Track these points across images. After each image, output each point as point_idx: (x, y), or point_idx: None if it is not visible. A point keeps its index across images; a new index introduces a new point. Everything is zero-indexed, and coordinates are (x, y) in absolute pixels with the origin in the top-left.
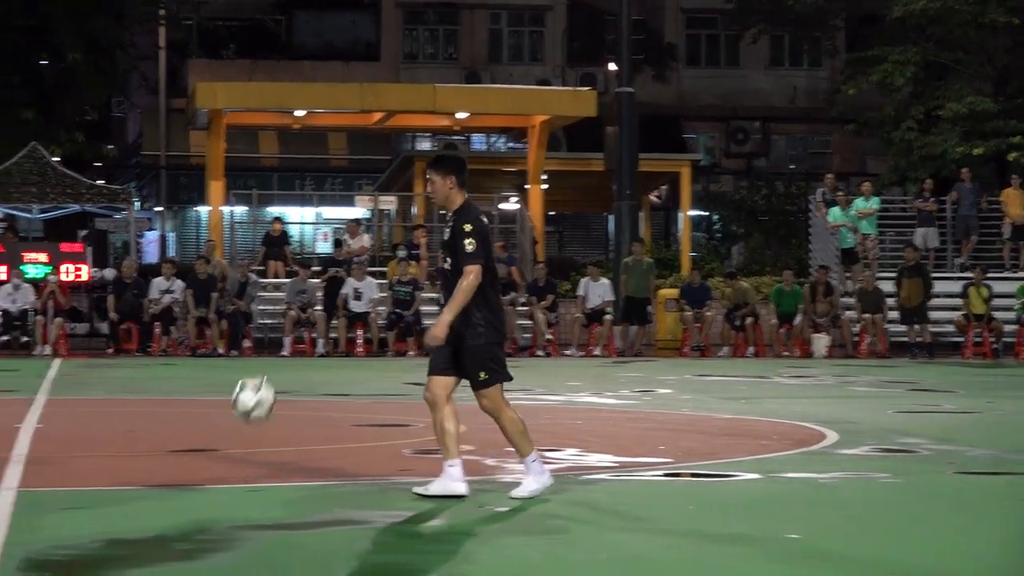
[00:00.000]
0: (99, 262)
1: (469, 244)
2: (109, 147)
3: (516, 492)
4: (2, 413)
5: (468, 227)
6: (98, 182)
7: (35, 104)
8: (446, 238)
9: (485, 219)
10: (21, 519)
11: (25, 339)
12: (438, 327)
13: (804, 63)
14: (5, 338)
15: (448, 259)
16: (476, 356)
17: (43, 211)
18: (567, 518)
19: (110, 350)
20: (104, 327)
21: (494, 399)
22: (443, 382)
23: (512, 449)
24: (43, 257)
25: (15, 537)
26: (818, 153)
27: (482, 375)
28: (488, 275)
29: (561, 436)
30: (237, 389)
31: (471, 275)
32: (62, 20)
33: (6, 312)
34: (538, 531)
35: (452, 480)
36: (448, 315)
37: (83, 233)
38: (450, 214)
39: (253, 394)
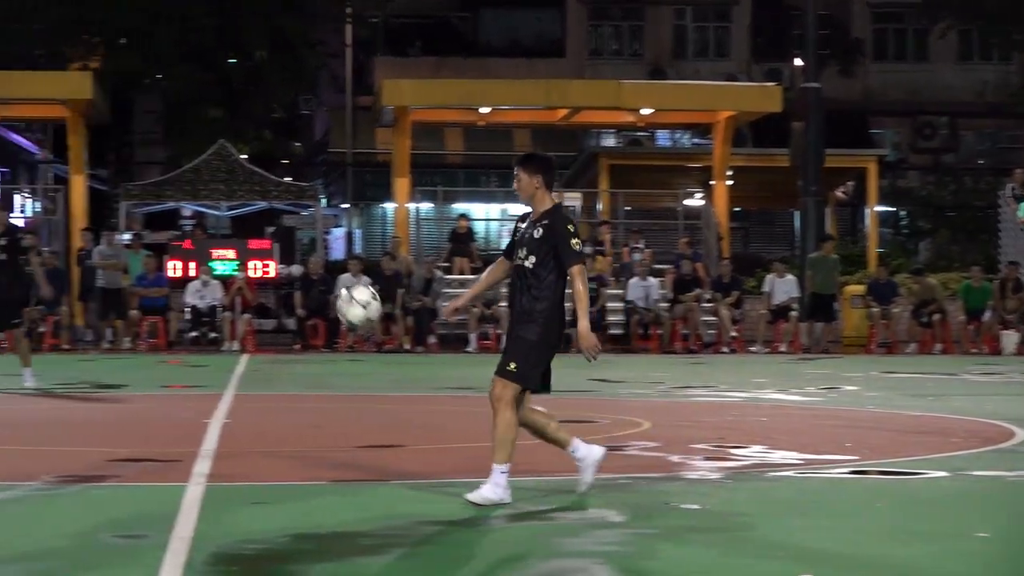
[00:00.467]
0: (286, 259)
1: (576, 244)
2: (296, 144)
3: (471, 495)
4: (191, 408)
5: (571, 227)
6: (285, 179)
7: (223, 102)
8: (536, 235)
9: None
10: (209, 513)
11: (213, 335)
12: (586, 337)
13: (994, 57)
14: (194, 334)
15: (531, 257)
16: (519, 347)
17: (231, 208)
18: (752, 515)
19: (297, 346)
20: (291, 323)
21: (506, 395)
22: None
23: (696, 447)
24: (231, 254)
25: (204, 531)
26: (1008, 148)
27: (512, 366)
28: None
29: (746, 433)
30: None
31: (581, 276)
32: (251, 19)
33: (195, 308)
34: (722, 528)
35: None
36: (584, 320)
37: (270, 230)
38: (535, 213)
39: (361, 309)
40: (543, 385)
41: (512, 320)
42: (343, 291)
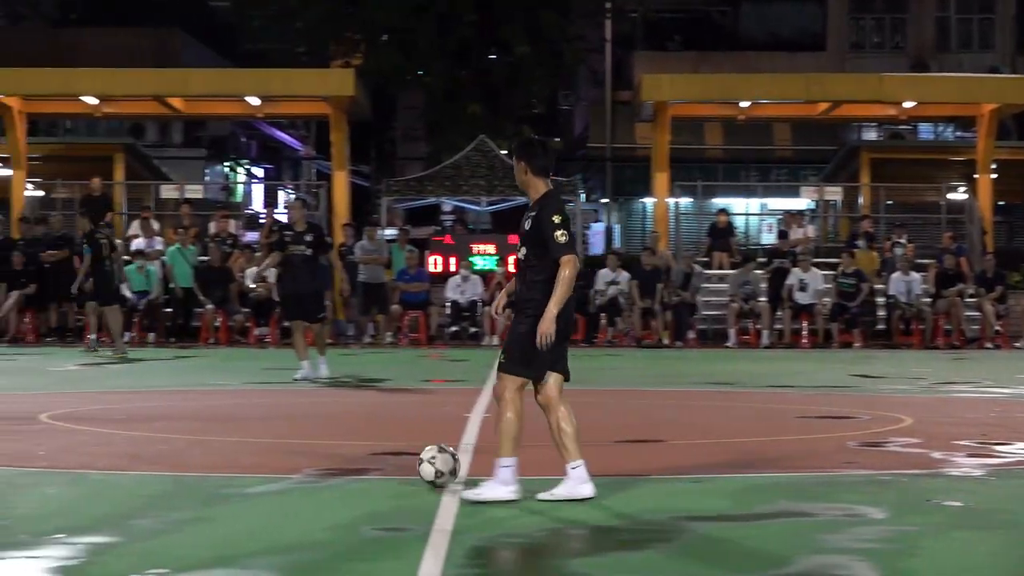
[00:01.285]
0: None
1: (562, 235)
2: (556, 140)
3: (470, 493)
4: (451, 402)
5: (557, 218)
6: None
7: (483, 98)
8: (527, 227)
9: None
10: (469, 507)
11: (474, 330)
12: (547, 321)
13: None
14: (454, 329)
15: (522, 248)
16: (510, 339)
17: (491, 203)
18: (1016, 512)
19: None
20: None
21: (503, 388)
22: (552, 382)
23: (959, 443)
24: (491, 249)
25: (463, 525)
26: None
27: (502, 358)
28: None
29: (1010, 430)
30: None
31: (569, 266)
32: (511, 15)
33: (455, 303)
34: (987, 526)
35: (578, 482)
36: (554, 308)
37: None
38: (531, 202)
39: (431, 472)
40: (563, 375)
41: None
42: (432, 462)
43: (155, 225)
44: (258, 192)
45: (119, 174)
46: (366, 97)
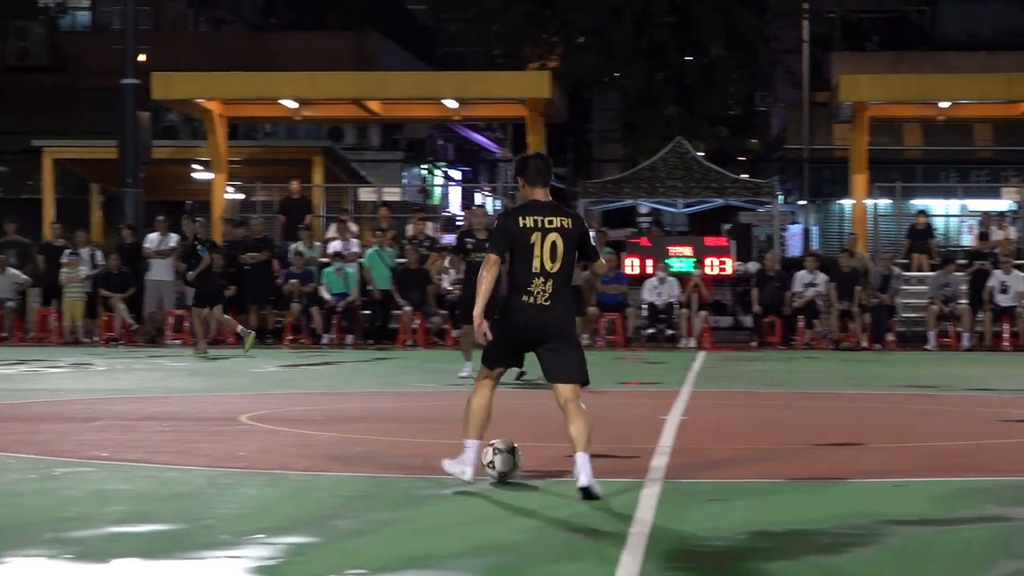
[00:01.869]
0: (743, 256)
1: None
2: (752, 141)
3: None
4: (648, 405)
5: (495, 225)
6: (741, 176)
7: (679, 100)
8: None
9: (517, 220)
10: (667, 509)
11: (670, 332)
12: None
13: None
14: (651, 331)
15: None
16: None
17: (687, 205)
18: None
19: (753, 343)
20: (747, 320)
21: (478, 375)
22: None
23: None
24: (687, 251)
25: (661, 527)
26: None
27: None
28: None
29: None
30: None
31: (484, 265)
32: (707, 16)
33: (652, 305)
34: None
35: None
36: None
37: (727, 227)
38: None
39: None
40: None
41: None
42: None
43: (353, 228)
44: (455, 194)
45: (317, 177)
46: (562, 99)
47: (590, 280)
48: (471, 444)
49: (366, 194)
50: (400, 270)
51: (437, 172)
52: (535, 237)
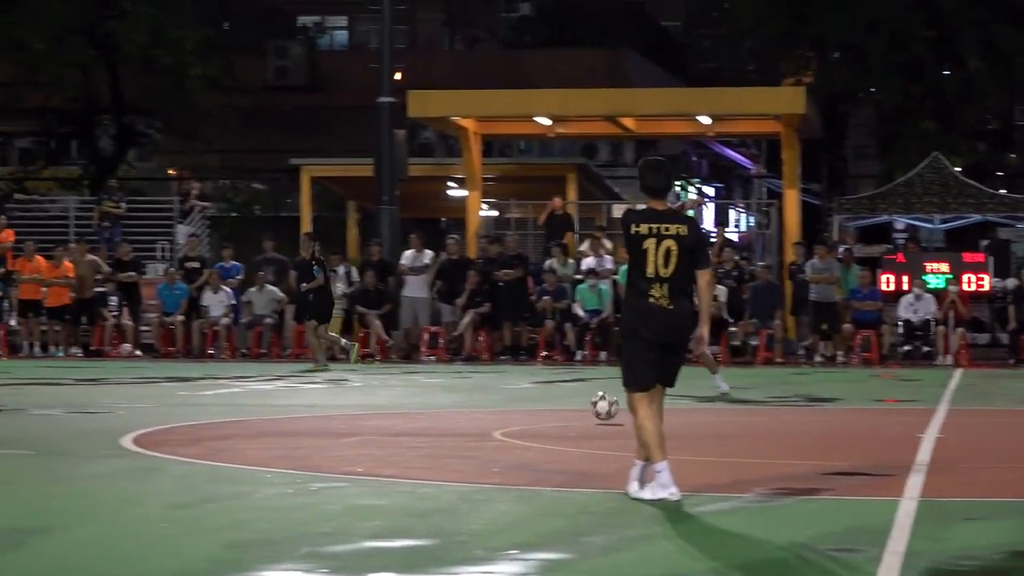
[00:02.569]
0: (1000, 272)
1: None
2: (1011, 156)
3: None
4: (904, 422)
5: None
6: (1000, 192)
7: (936, 114)
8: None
9: (631, 227)
10: (923, 528)
11: (927, 349)
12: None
13: None
14: (906, 348)
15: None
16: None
17: (944, 221)
18: None
19: (1011, 361)
20: (1005, 338)
21: (628, 401)
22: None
23: None
24: (944, 267)
25: (917, 547)
26: None
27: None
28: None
29: None
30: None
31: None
32: (965, 30)
33: (907, 322)
34: None
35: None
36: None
37: (984, 243)
38: None
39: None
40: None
41: None
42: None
43: (607, 244)
44: (708, 211)
45: (571, 194)
46: (817, 114)
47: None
48: (661, 467)
49: (620, 210)
50: None
51: (691, 188)
52: (648, 243)
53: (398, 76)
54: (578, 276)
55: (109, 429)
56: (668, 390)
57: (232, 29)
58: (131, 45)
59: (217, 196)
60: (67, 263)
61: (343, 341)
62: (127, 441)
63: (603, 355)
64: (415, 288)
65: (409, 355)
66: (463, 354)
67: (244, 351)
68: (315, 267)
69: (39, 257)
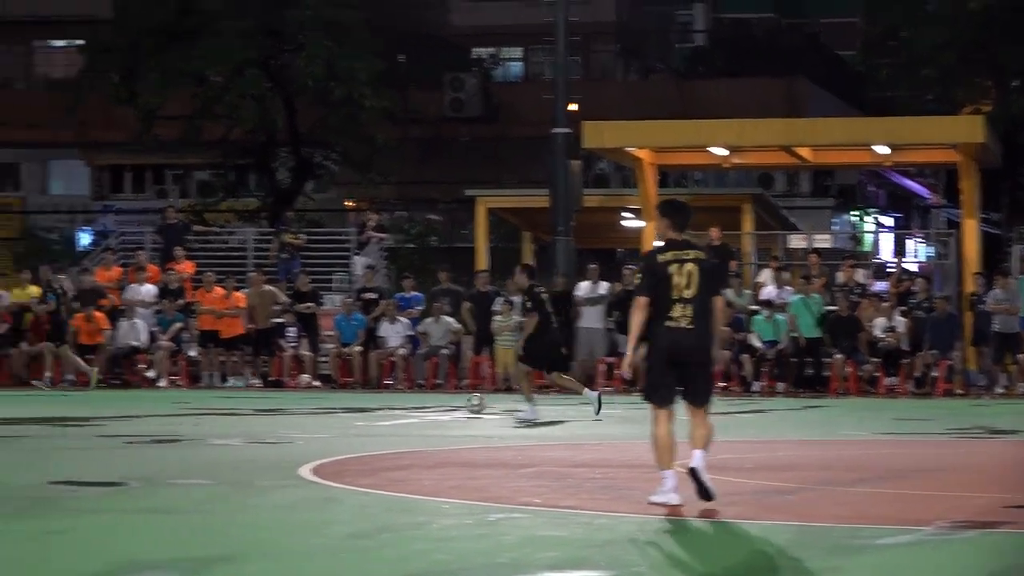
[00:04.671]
0: None
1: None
2: None
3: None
4: None
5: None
6: None
7: None
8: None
9: (657, 259)
10: None
11: None
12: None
13: None
14: None
15: None
16: None
17: None
18: None
19: None
20: None
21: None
22: None
23: None
24: None
25: None
26: None
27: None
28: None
29: None
30: None
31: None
32: None
33: None
34: None
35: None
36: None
37: None
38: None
39: None
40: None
41: None
42: None
43: (784, 275)
44: (886, 241)
45: (747, 224)
46: (996, 144)
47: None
48: (667, 474)
49: (796, 241)
50: (831, 317)
51: (868, 218)
52: (673, 269)
53: (573, 107)
54: (754, 307)
55: (287, 459)
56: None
57: (408, 61)
58: (307, 78)
59: (393, 227)
60: (237, 294)
61: (585, 390)
62: (305, 471)
63: (780, 386)
64: (591, 319)
65: (586, 386)
66: (639, 385)
67: (421, 382)
68: (527, 303)
69: (217, 288)
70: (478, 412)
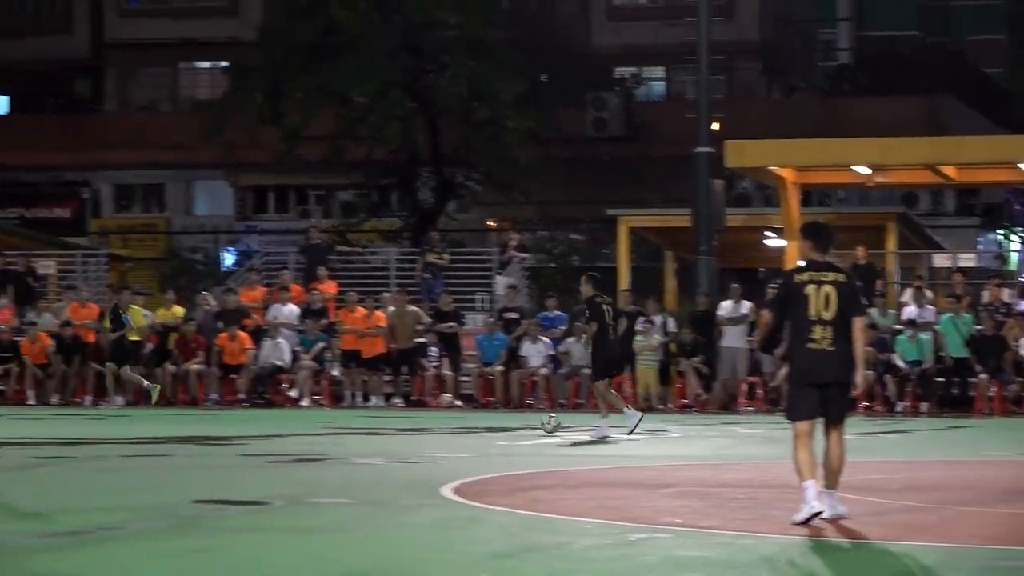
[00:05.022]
0: None
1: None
2: None
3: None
4: None
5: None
6: None
7: None
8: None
9: (793, 278)
10: None
11: None
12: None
13: None
14: None
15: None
16: None
17: None
18: None
19: None
20: None
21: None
22: None
23: None
24: None
25: None
26: None
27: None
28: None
29: None
30: None
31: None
32: None
33: None
34: None
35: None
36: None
37: None
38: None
39: None
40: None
41: None
42: None
43: (928, 294)
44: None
45: (891, 243)
46: None
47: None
48: (808, 484)
49: (940, 260)
50: (976, 337)
51: (1014, 237)
52: (810, 289)
53: (715, 126)
54: (897, 327)
55: (429, 479)
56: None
57: (550, 81)
58: (450, 98)
59: (535, 247)
60: (378, 313)
61: (627, 408)
62: (447, 491)
63: (924, 406)
64: (733, 338)
65: (727, 406)
66: (782, 405)
67: (562, 401)
68: (586, 312)
69: (359, 307)
70: (552, 432)
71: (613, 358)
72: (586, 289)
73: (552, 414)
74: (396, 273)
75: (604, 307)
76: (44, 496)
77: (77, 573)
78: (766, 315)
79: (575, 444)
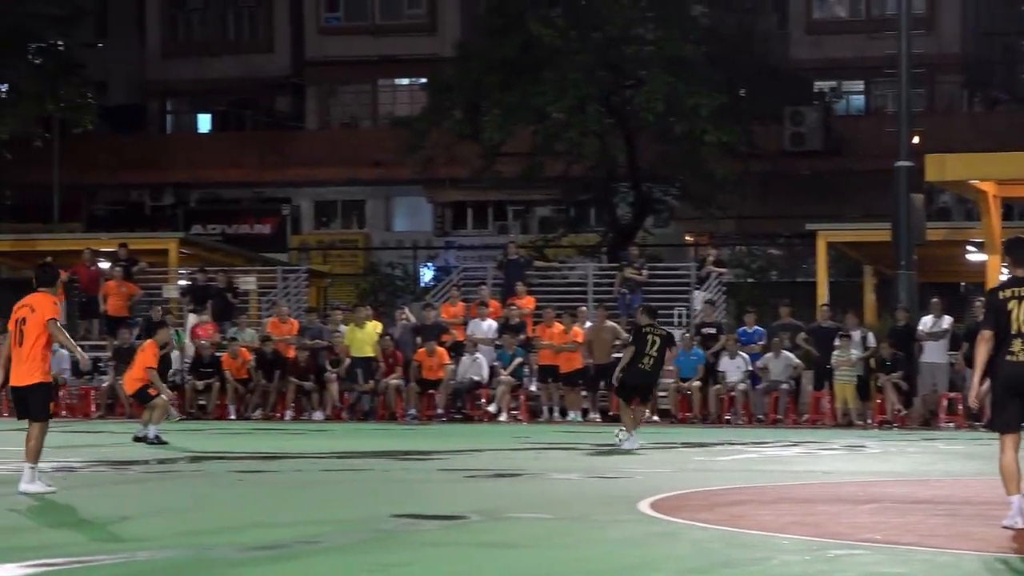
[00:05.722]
0: None
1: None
2: None
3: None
4: None
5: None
6: None
7: None
8: None
9: (998, 295)
10: None
11: None
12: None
13: None
14: None
15: None
16: None
17: None
18: None
19: None
20: None
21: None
22: None
23: None
24: None
25: None
26: None
27: None
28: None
29: None
30: None
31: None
32: None
33: None
34: None
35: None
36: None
37: None
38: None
39: None
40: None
41: None
42: None
43: None
44: None
45: None
46: None
47: None
48: (1014, 499)
49: None
50: None
51: None
52: (1012, 304)
53: (916, 140)
54: None
55: (627, 494)
56: None
57: (748, 95)
58: (647, 113)
59: (733, 262)
60: (576, 329)
61: (630, 434)
62: (644, 506)
63: None
64: (934, 353)
65: (927, 421)
66: (983, 420)
67: (760, 417)
68: (631, 334)
69: (557, 323)
70: (621, 444)
71: (637, 384)
72: (641, 319)
73: (624, 430)
74: (593, 288)
75: (651, 337)
76: (244, 509)
77: None
78: (985, 335)
79: (772, 459)
